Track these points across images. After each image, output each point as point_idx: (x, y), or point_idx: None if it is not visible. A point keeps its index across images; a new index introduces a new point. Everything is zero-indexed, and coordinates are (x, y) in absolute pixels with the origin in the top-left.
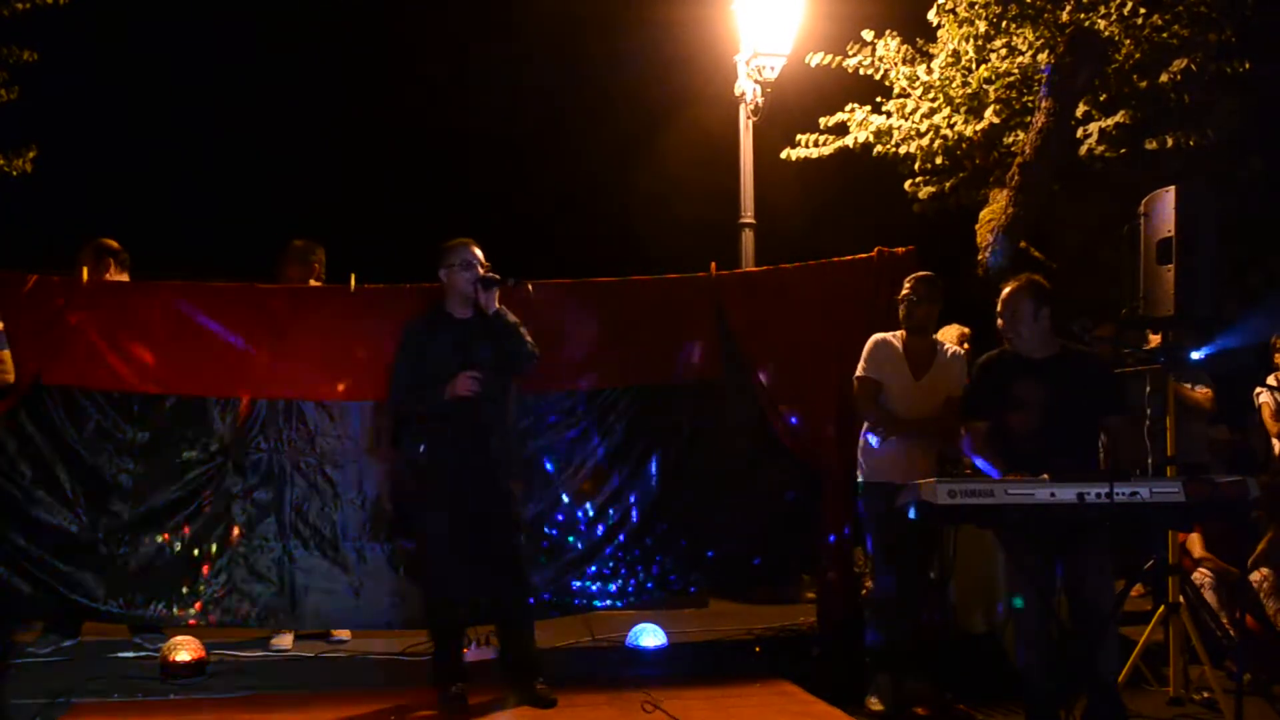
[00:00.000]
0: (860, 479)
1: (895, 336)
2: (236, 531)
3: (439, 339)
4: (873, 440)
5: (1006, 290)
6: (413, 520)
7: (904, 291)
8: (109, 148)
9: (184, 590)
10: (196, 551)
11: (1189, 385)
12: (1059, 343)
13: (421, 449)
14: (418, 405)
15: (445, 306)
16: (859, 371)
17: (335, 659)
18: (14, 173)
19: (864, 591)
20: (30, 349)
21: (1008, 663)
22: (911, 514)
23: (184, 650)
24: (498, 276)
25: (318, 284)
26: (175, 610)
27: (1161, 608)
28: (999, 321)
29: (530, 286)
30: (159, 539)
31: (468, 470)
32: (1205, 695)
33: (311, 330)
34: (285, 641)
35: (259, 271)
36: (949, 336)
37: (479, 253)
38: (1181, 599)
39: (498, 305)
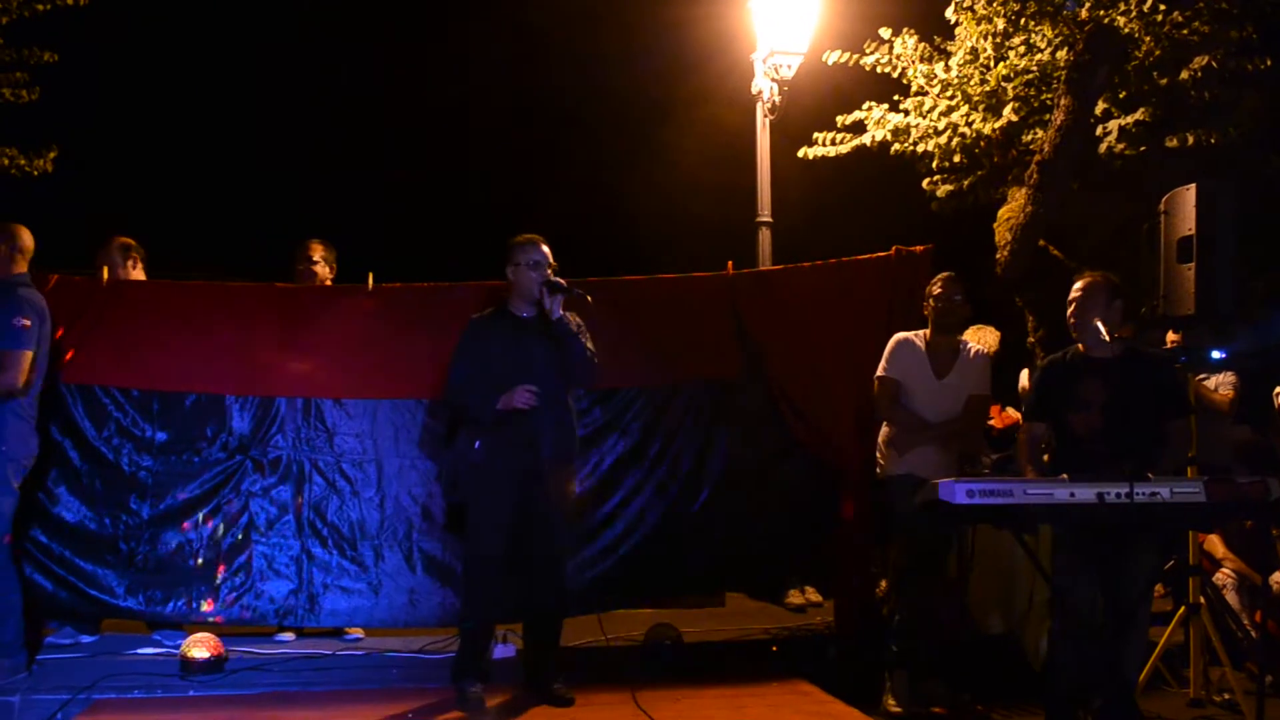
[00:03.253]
0: (881, 473)
1: (918, 336)
2: (255, 529)
3: (500, 335)
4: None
5: (1082, 282)
6: (463, 517)
7: (938, 290)
8: (128, 148)
9: (203, 587)
10: (215, 549)
11: (1211, 385)
12: (1124, 343)
13: (477, 445)
14: (472, 411)
15: (509, 305)
16: (880, 371)
17: (354, 657)
18: (35, 172)
19: (878, 591)
20: (50, 348)
21: (1025, 663)
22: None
23: (203, 647)
24: (564, 283)
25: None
26: (194, 607)
27: (1182, 609)
28: (1070, 315)
29: (590, 299)
30: (178, 536)
31: (522, 472)
32: (1226, 697)
33: (329, 329)
34: (289, 635)
35: (277, 270)
36: (988, 340)
37: (548, 251)
38: (1202, 600)
39: (562, 313)
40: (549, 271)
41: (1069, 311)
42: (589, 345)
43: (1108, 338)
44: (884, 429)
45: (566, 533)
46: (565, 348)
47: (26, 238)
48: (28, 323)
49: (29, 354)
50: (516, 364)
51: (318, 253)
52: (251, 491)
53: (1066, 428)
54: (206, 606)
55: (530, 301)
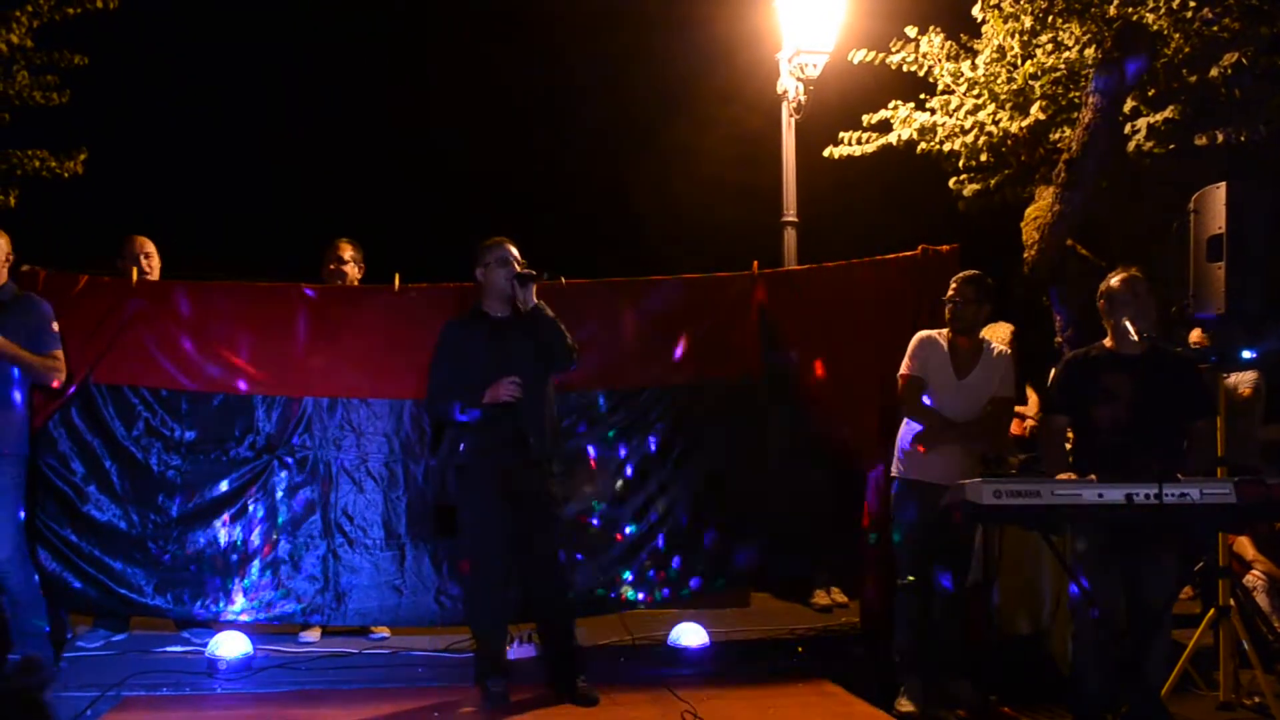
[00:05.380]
0: (895, 475)
1: (941, 334)
2: (282, 529)
3: (476, 338)
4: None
5: (1124, 276)
6: (455, 519)
7: (949, 293)
8: (158, 149)
9: (230, 586)
10: (243, 548)
11: (1231, 383)
12: (1150, 341)
13: (462, 448)
14: (458, 409)
15: (482, 306)
16: (903, 370)
17: (379, 655)
18: (65, 174)
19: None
20: (81, 348)
21: (1052, 666)
22: (955, 513)
23: (231, 645)
24: (533, 271)
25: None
26: (222, 606)
27: (1212, 611)
28: (1101, 304)
29: (563, 280)
30: (206, 535)
31: (508, 470)
32: (1256, 700)
33: (356, 330)
34: (313, 634)
35: (305, 271)
36: (1000, 335)
37: (515, 250)
38: (1232, 602)
39: (535, 300)
40: (516, 267)
41: (1112, 303)
42: (567, 333)
43: (1135, 336)
44: (901, 429)
45: (561, 528)
46: (543, 334)
47: (4, 243)
48: (57, 326)
49: (60, 351)
50: (496, 364)
51: (347, 252)
52: (279, 491)
53: (1089, 421)
54: (234, 605)
55: (504, 300)
